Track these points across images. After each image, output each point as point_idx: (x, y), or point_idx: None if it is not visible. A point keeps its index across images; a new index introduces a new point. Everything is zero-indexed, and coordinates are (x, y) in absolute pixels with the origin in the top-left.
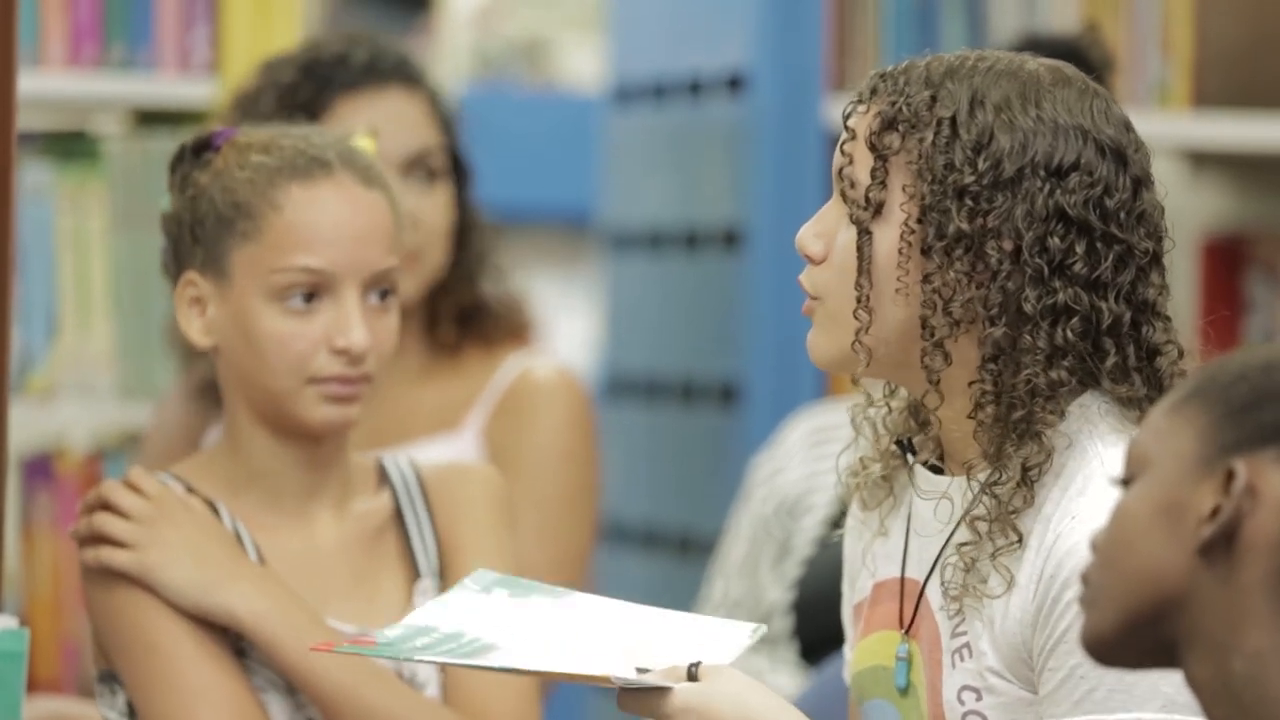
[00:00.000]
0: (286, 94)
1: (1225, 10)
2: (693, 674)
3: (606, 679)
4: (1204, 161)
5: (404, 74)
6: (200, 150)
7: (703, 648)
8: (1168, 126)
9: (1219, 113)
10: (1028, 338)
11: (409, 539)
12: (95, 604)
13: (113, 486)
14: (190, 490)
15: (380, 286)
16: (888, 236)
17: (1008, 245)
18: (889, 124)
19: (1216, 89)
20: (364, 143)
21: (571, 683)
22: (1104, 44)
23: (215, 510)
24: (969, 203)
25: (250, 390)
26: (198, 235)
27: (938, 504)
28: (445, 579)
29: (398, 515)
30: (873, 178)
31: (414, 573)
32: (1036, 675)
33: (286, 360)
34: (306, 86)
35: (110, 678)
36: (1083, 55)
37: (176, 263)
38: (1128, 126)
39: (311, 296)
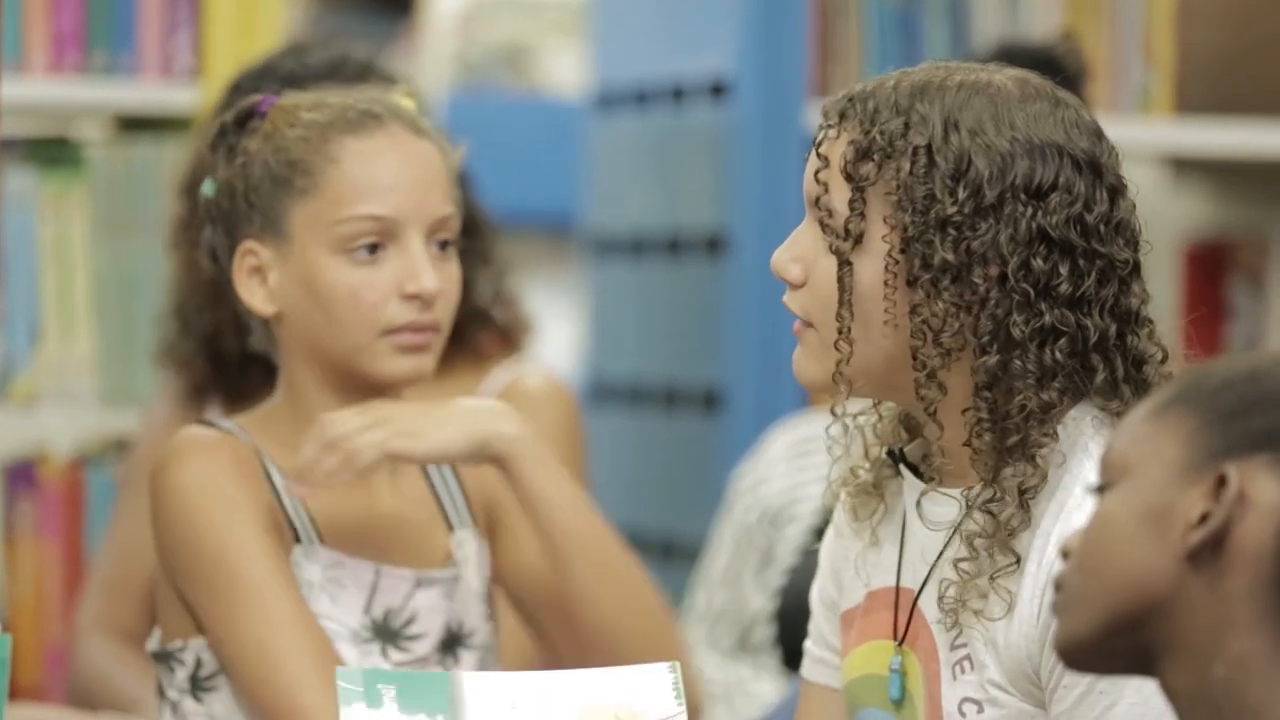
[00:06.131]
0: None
1: (1207, 18)
2: None
3: None
4: (1186, 168)
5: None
6: (244, 121)
7: (636, 702)
8: (1150, 133)
9: (1201, 119)
10: (1018, 363)
11: (435, 492)
12: (175, 543)
13: (326, 421)
14: (247, 443)
15: (440, 235)
16: (870, 267)
17: (993, 271)
18: (863, 153)
19: (1198, 96)
20: (405, 101)
21: None
22: (1080, 52)
23: (263, 463)
24: (952, 232)
25: (320, 350)
26: (253, 201)
27: (946, 527)
28: (497, 532)
29: (421, 469)
30: (851, 209)
31: (447, 525)
32: (1049, 692)
33: (359, 312)
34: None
35: (168, 656)
36: (1059, 64)
37: (230, 236)
38: (1098, 134)
39: (376, 247)
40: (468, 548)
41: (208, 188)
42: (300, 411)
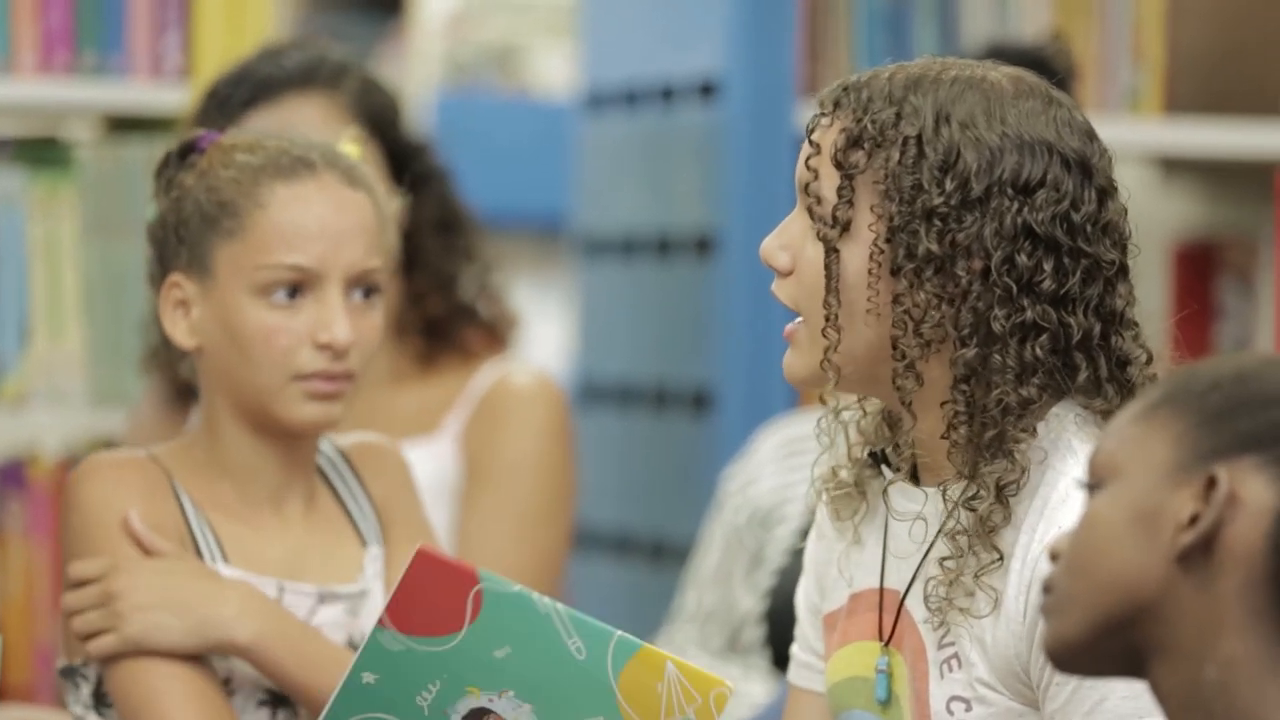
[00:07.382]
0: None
1: (1197, 17)
2: None
3: None
4: (1175, 168)
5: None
6: (185, 154)
7: None
8: (1139, 133)
9: (1190, 119)
10: (997, 357)
11: (347, 509)
12: (78, 558)
13: (66, 597)
14: (159, 466)
15: (363, 285)
16: (856, 255)
17: (977, 265)
18: (854, 142)
19: (1188, 95)
20: (349, 147)
21: None
22: (1068, 53)
23: (173, 486)
24: (938, 223)
25: (235, 389)
26: (182, 236)
27: (914, 518)
28: (387, 546)
29: (329, 488)
30: (839, 196)
31: (360, 540)
32: (1040, 690)
33: (270, 355)
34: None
35: (72, 672)
36: (1047, 64)
37: (161, 267)
38: (1090, 135)
39: (295, 292)
40: (381, 563)
41: (149, 212)
42: (217, 444)
